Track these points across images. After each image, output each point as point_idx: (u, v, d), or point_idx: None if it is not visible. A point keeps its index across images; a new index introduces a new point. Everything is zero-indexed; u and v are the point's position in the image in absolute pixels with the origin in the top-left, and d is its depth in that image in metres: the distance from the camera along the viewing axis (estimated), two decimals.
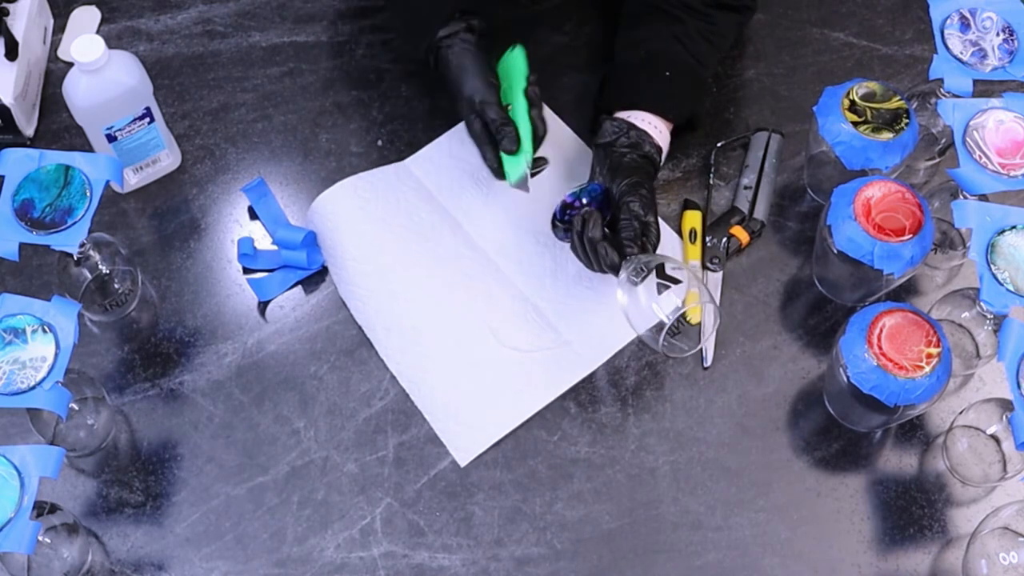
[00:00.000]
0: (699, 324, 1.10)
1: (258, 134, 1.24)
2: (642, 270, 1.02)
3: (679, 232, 1.17)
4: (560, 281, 1.13)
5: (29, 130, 1.22)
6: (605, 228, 1.05)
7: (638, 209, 1.06)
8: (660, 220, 1.16)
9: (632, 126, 1.11)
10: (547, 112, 1.24)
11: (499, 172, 1.13)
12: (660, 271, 1.02)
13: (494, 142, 1.11)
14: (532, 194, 1.13)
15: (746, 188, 1.19)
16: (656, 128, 1.12)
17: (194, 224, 1.18)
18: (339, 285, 1.14)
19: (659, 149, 1.12)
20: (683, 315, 1.08)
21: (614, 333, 1.10)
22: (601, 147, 1.12)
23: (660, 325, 1.00)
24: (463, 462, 1.04)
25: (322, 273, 1.15)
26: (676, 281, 1.01)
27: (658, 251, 1.07)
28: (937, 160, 1.18)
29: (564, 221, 1.09)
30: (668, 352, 1.04)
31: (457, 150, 1.19)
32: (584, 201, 1.08)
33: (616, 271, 1.04)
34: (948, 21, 1.08)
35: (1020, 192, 1.01)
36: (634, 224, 1.05)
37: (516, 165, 1.11)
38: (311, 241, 1.14)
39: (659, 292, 1.01)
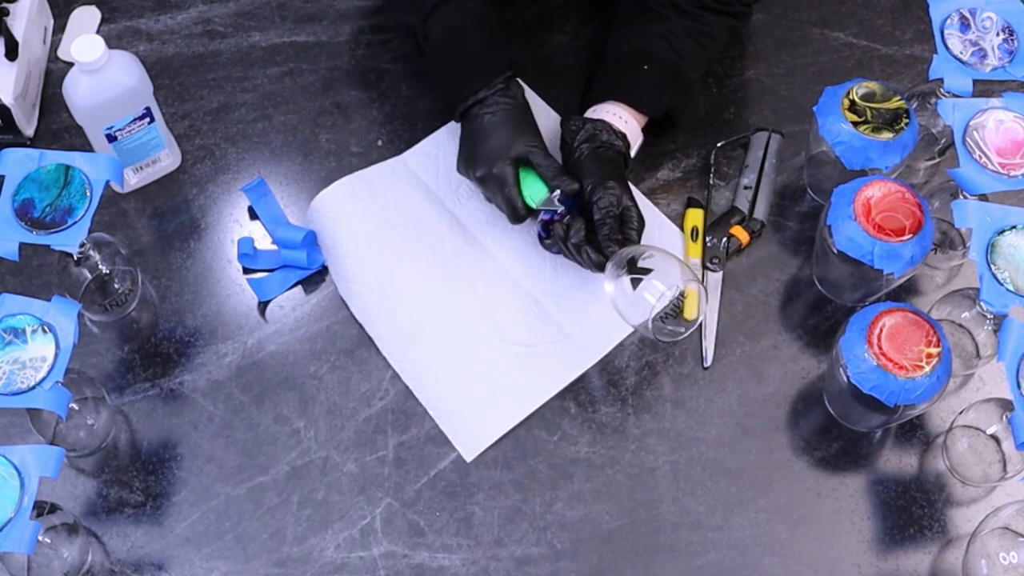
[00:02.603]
0: (694, 317, 1.09)
1: (258, 134, 1.24)
2: (624, 262, 1.02)
3: (680, 231, 1.17)
4: (560, 274, 1.13)
5: (29, 130, 1.22)
6: (585, 231, 1.06)
7: (607, 204, 1.06)
8: (664, 217, 1.17)
9: (587, 120, 1.11)
10: (543, 106, 1.24)
11: (518, 214, 1.09)
12: (632, 264, 1.03)
13: (519, 184, 1.09)
14: None
15: (746, 188, 1.19)
16: (621, 118, 1.12)
17: (194, 224, 1.18)
18: (339, 284, 1.14)
19: (620, 135, 1.11)
20: (679, 307, 1.08)
21: (616, 325, 1.10)
22: (564, 149, 1.12)
23: (648, 309, 1.00)
24: (469, 458, 1.04)
25: (322, 273, 1.15)
26: (648, 271, 1.02)
27: (663, 245, 1.08)
28: (937, 160, 1.18)
29: (549, 236, 1.10)
30: (660, 337, 1.04)
31: (454, 144, 1.19)
32: (562, 211, 1.08)
33: (602, 270, 1.05)
34: (948, 21, 1.08)
35: (1020, 192, 1.01)
36: (608, 221, 1.06)
37: (539, 192, 1.09)
38: (311, 241, 1.14)
39: (640, 281, 1.01)
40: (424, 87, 1.24)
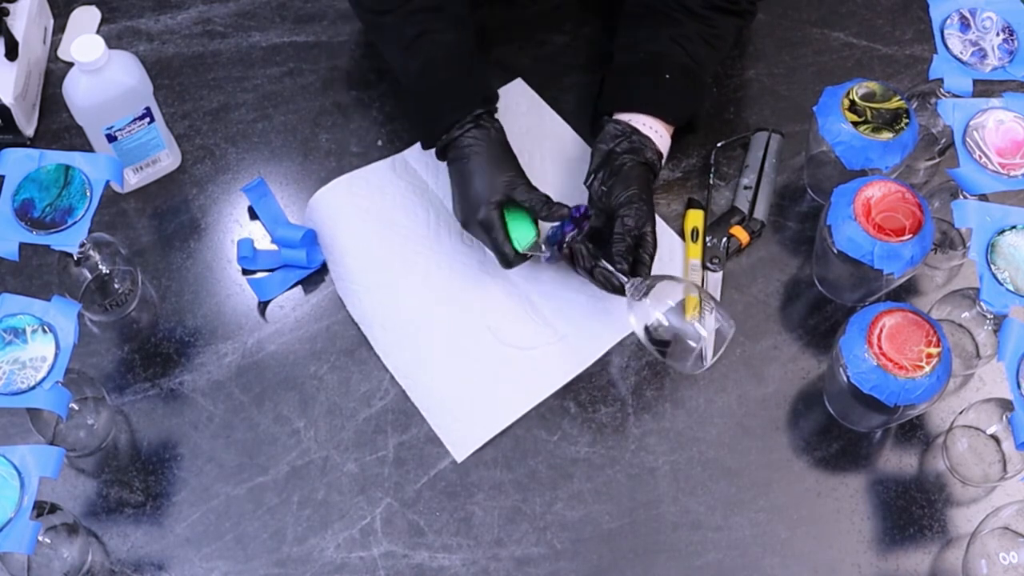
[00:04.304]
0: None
1: (258, 134, 1.24)
2: (644, 289, 1.03)
3: (681, 231, 1.17)
4: (556, 277, 1.13)
5: (29, 130, 1.22)
6: (595, 253, 1.06)
7: (631, 223, 1.06)
8: (661, 221, 1.17)
9: (635, 130, 1.11)
10: (548, 111, 1.24)
11: (507, 260, 1.08)
12: (650, 291, 1.03)
13: (505, 229, 1.08)
14: None
15: (746, 188, 1.19)
16: (657, 132, 1.12)
17: (194, 224, 1.18)
18: (336, 282, 1.14)
19: (660, 155, 1.12)
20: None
21: (611, 328, 1.10)
22: (601, 150, 1.12)
23: (688, 349, 1.01)
24: (460, 458, 1.04)
25: (322, 273, 1.15)
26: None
27: (661, 251, 1.08)
28: (937, 160, 1.18)
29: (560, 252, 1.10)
30: (693, 371, 1.04)
31: None
32: (559, 238, 1.08)
33: (619, 293, 1.05)
34: (948, 21, 1.08)
35: (1020, 192, 1.01)
36: (626, 239, 1.06)
37: (527, 234, 1.10)
38: (311, 240, 1.14)
39: (678, 316, 1.01)
40: (407, 122, 1.24)
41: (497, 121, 1.12)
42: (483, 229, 1.08)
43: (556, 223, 1.09)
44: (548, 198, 1.08)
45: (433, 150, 1.13)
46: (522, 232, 1.09)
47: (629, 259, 1.06)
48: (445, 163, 1.18)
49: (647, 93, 1.13)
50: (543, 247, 1.09)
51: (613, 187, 1.08)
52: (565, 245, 1.08)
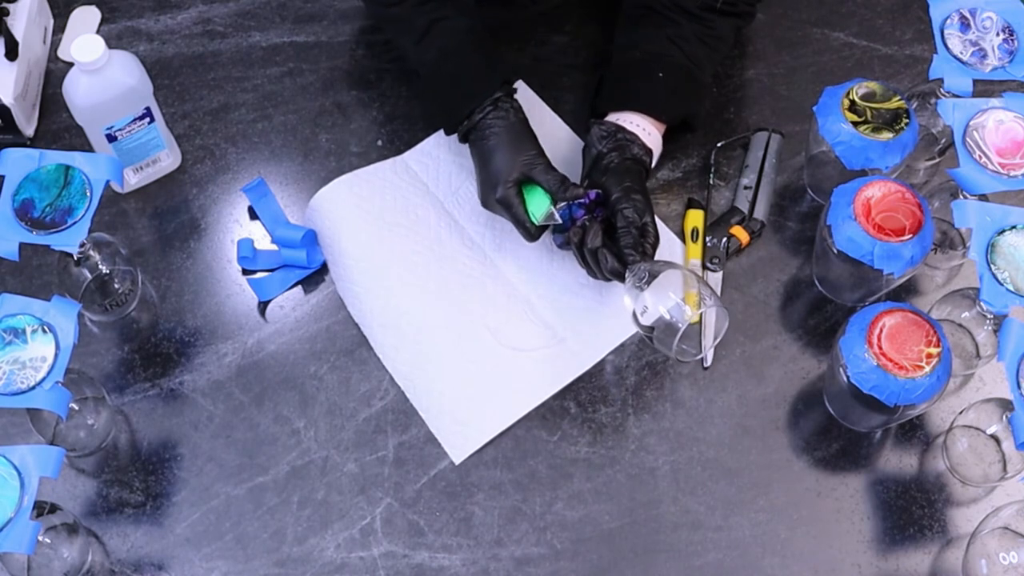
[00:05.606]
0: (698, 324, 1.09)
1: (258, 134, 1.24)
2: (645, 275, 1.02)
3: (681, 231, 1.17)
4: (556, 278, 1.13)
5: (29, 130, 1.22)
6: (603, 239, 1.06)
7: (632, 215, 1.06)
8: (659, 222, 1.17)
9: (620, 129, 1.11)
10: (548, 112, 1.24)
11: (530, 232, 1.09)
12: (652, 279, 1.02)
13: (524, 205, 1.09)
14: None
15: (746, 188, 1.19)
16: (645, 131, 1.12)
17: (194, 224, 1.18)
18: (337, 283, 1.14)
19: (648, 151, 1.12)
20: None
21: (610, 331, 1.10)
22: (590, 154, 1.12)
23: (673, 331, 1.00)
24: (458, 460, 1.04)
25: (322, 272, 1.15)
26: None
27: (658, 251, 1.08)
28: (937, 160, 1.18)
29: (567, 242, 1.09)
30: (680, 357, 1.04)
31: (455, 145, 1.19)
32: (568, 222, 1.08)
33: (619, 277, 1.04)
34: (948, 21, 1.08)
35: (1020, 192, 1.01)
36: (632, 231, 1.06)
37: (542, 205, 1.09)
38: (311, 240, 1.14)
39: (668, 299, 1.01)
40: (420, 110, 1.24)
41: (516, 102, 1.13)
42: (503, 207, 1.09)
43: (565, 207, 1.09)
44: (565, 178, 1.08)
45: (454, 136, 1.14)
46: (537, 204, 1.09)
47: (639, 250, 1.05)
48: (445, 167, 1.19)
49: (635, 91, 1.14)
50: (556, 216, 1.08)
51: (606, 185, 1.08)
52: (577, 226, 1.07)
